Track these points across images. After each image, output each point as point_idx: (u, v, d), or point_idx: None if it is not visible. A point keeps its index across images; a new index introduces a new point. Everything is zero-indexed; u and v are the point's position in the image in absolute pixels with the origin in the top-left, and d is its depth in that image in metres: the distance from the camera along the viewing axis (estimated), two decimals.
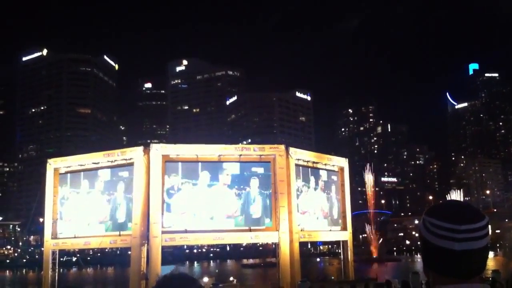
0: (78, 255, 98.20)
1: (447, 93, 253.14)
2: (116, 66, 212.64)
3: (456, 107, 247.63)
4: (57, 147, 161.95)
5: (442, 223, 1.75)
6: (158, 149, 28.15)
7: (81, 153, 34.20)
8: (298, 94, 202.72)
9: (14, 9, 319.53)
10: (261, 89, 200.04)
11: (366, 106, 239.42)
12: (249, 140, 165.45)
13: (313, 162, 32.37)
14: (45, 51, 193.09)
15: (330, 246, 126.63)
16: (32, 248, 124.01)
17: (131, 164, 28.24)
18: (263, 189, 28.94)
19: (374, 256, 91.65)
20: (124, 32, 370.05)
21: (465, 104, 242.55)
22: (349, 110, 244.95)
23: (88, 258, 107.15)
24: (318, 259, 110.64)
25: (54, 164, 31.17)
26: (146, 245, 27.39)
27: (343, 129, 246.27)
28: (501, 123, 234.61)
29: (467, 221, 1.75)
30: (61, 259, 37.74)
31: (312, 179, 31.87)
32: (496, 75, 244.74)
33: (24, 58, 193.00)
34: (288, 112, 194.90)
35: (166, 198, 27.60)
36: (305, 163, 31.47)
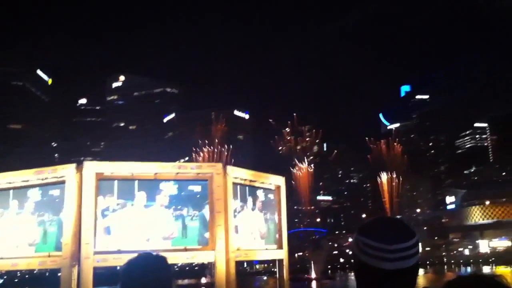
0: (5, 276, 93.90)
1: (380, 114, 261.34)
2: (50, 81, 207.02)
3: (389, 127, 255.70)
4: None
5: (373, 243, 1.75)
6: (92, 167, 27.37)
7: (10, 170, 32.75)
8: (236, 112, 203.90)
9: None
10: (200, 107, 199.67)
11: (303, 126, 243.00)
12: (187, 158, 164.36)
13: (251, 181, 32.36)
14: None
15: (266, 264, 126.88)
16: None
17: (63, 182, 27.30)
18: (199, 208, 28.67)
19: (309, 275, 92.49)
20: (59, 46, 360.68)
21: (397, 125, 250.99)
22: (286, 129, 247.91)
23: (16, 280, 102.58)
24: (265, 277, 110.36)
25: None
26: (77, 266, 26.42)
27: (280, 148, 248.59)
28: (431, 144, 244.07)
29: (397, 240, 1.75)
30: None
31: (249, 198, 31.84)
32: (427, 97, 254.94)
33: None
34: (226, 130, 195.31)
35: (100, 219, 26.78)
36: (242, 181, 31.43)
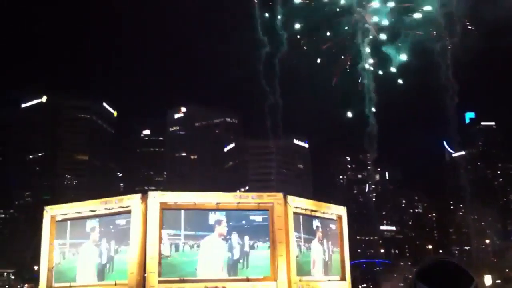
0: None
1: (444, 142, 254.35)
2: (115, 113, 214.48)
3: (454, 155, 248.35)
4: (54, 194, 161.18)
5: None
6: (156, 197, 28.01)
7: (77, 200, 34.04)
8: (295, 141, 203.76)
9: (15, 56, 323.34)
10: (259, 136, 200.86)
11: (363, 154, 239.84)
12: (247, 187, 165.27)
13: (311, 210, 32.14)
14: (44, 98, 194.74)
15: None
16: None
17: (129, 212, 28.05)
18: (261, 238, 28.67)
19: None
20: (124, 78, 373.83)
21: (463, 153, 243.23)
22: (347, 157, 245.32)
23: None
24: None
25: (51, 212, 30.94)
26: None
27: (340, 177, 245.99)
28: (498, 172, 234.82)
29: None
30: None
31: (310, 228, 31.62)
32: (493, 123, 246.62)
33: (23, 105, 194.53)
34: (286, 160, 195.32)
35: (163, 248, 27.29)
36: (303, 211, 31.25)
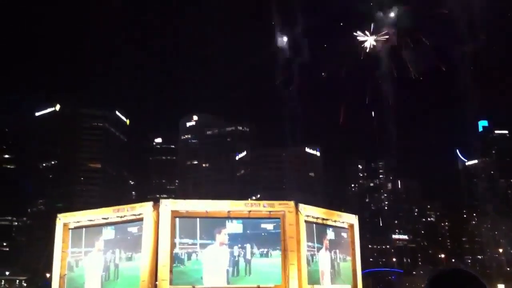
0: None
1: (457, 150, 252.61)
2: (128, 122, 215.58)
3: (467, 164, 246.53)
4: (67, 202, 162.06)
5: None
6: (168, 205, 28.11)
7: (90, 207, 34.28)
8: (307, 149, 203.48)
9: (28, 64, 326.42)
10: (271, 144, 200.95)
11: (375, 162, 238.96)
12: (258, 196, 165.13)
13: (323, 219, 32.06)
14: (58, 107, 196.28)
15: None
16: None
17: (140, 220, 28.17)
18: (273, 247, 28.65)
19: None
20: (136, 87, 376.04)
21: (476, 161, 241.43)
22: (359, 166, 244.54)
23: None
24: None
25: (64, 219, 31.14)
26: None
27: (352, 185, 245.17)
28: None
29: None
30: None
31: (323, 237, 31.55)
32: (506, 132, 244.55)
33: (37, 114, 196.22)
34: (298, 168, 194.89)
35: (175, 256, 27.38)
36: (315, 220, 31.18)
